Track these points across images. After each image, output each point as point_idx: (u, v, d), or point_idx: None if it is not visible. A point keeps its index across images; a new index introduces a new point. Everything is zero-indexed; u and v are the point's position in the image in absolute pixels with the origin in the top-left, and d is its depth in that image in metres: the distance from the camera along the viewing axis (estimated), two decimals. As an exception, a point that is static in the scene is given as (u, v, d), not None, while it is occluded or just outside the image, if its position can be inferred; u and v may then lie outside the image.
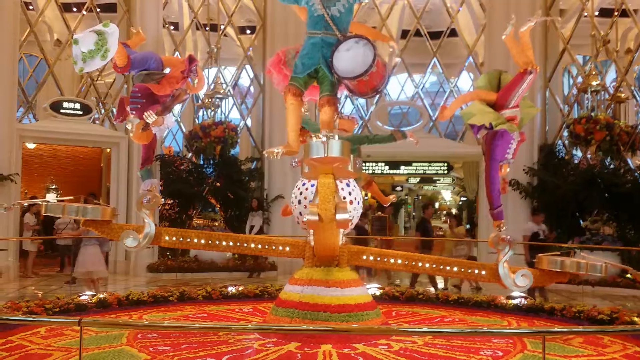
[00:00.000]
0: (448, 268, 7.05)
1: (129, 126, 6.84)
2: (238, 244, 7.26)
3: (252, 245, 7.24)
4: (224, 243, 7.23)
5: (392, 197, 10.19)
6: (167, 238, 7.04)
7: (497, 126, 6.61)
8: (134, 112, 6.73)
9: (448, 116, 7.32)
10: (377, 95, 6.05)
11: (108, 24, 6.35)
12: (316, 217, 5.77)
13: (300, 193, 6.87)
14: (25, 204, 7.40)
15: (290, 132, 5.76)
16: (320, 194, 5.59)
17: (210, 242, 7.19)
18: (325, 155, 5.01)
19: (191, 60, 7.02)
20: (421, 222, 14.35)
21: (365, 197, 15.07)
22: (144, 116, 6.72)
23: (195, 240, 7.18)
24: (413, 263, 7.01)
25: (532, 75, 6.56)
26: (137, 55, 6.97)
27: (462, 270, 7.05)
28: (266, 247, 7.30)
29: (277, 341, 6.25)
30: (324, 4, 5.69)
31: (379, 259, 7.10)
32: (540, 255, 6.88)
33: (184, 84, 7.00)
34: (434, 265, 7.03)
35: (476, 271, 6.92)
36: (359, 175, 8.17)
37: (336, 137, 5.13)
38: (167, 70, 7.06)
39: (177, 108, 14.12)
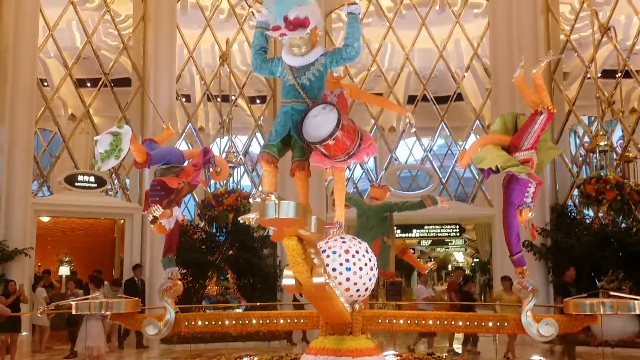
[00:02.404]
0: (468, 324, 6.66)
1: (150, 218, 7.04)
2: (254, 321, 7.23)
3: (268, 321, 7.21)
4: (240, 322, 7.23)
5: (431, 265, 10.09)
6: (186, 323, 7.10)
7: (504, 169, 6.37)
8: (153, 205, 6.94)
9: (466, 163, 7.11)
10: (350, 160, 5.99)
11: (122, 126, 6.74)
12: (292, 282, 5.67)
13: None
14: (48, 308, 7.56)
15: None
16: (288, 257, 5.49)
17: (227, 322, 7.20)
18: (276, 216, 4.86)
19: (205, 152, 7.30)
20: (561, 287, 13.17)
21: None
22: (151, 209, 6.96)
23: (214, 322, 7.21)
24: (431, 322, 6.61)
25: (544, 115, 6.39)
26: (156, 152, 7.29)
27: (484, 324, 6.61)
28: (281, 321, 7.28)
29: None
30: (294, 74, 5.81)
31: (394, 321, 6.98)
32: (566, 299, 6.44)
33: (197, 177, 7.25)
34: (452, 323, 6.59)
35: (498, 324, 6.53)
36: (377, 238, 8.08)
37: (272, 196, 4.97)
38: (187, 163, 7.33)
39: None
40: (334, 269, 6.57)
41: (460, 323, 6.60)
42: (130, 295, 9.95)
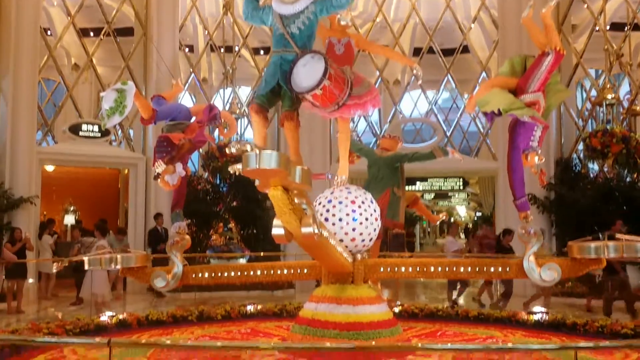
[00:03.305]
0: (470, 269, 6.75)
1: (154, 174, 7.27)
2: (259, 272, 7.38)
3: (272, 272, 7.35)
4: (245, 273, 7.45)
5: (443, 215, 10.05)
6: (193, 275, 7.33)
7: (506, 112, 6.23)
8: (160, 160, 7.14)
9: (473, 106, 6.95)
10: (339, 109, 5.88)
11: (126, 83, 6.92)
12: (281, 231, 5.73)
13: (327, 210, 6.80)
14: (62, 263, 7.77)
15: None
16: (275, 207, 5.51)
17: (233, 274, 7.43)
18: (257, 167, 4.86)
19: (210, 109, 7.36)
20: None
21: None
22: (154, 165, 7.15)
23: (219, 274, 7.42)
24: (432, 269, 6.80)
25: (551, 56, 6.22)
26: (163, 108, 7.48)
27: (485, 270, 6.74)
28: (285, 271, 7.41)
29: (286, 357, 6.27)
30: (283, 23, 5.73)
31: (396, 269, 7.01)
32: (570, 242, 6.40)
33: (201, 133, 7.30)
34: (454, 269, 6.79)
35: (500, 269, 6.61)
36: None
37: (248, 147, 4.98)
38: (193, 120, 7.49)
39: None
40: (340, 219, 6.62)
41: (462, 269, 6.64)
42: (154, 245, 10.06)
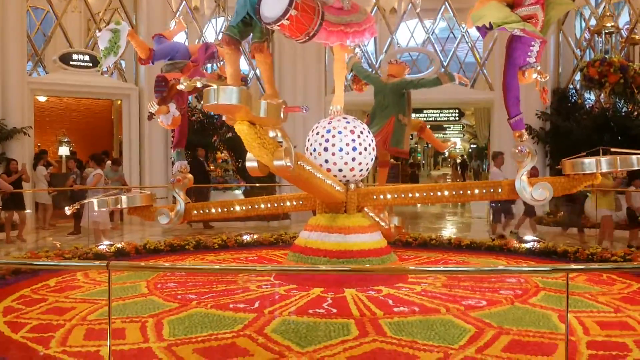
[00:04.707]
0: (462, 193, 6.76)
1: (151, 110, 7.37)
2: (256, 206, 7.53)
3: (269, 205, 7.53)
4: (243, 208, 7.60)
5: (451, 144, 9.99)
6: (195, 212, 7.51)
7: (498, 25, 5.96)
8: (153, 101, 7.24)
9: (472, 22, 6.45)
10: (310, 39, 5.74)
11: (120, 22, 7.09)
12: (254, 164, 5.79)
13: (327, 140, 6.77)
14: (74, 206, 7.87)
15: (230, 81, 5.72)
16: (243, 141, 5.54)
17: (232, 209, 7.59)
18: (215, 102, 4.84)
19: (207, 48, 7.35)
20: None
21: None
22: (148, 105, 7.33)
23: (219, 210, 7.59)
24: (431, 194, 6.86)
25: None
26: (161, 47, 7.47)
27: (477, 192, 6.73)
28: (281, 204, 7.54)
29: (278, 283, 6.46)
30: None
31: (389, 196, 7.04)
32: (563, 160, 6.28)
33: (196, 73, 7.31)
34: (445, 193, 6.79)
35: (492, 190, 6.59)
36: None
37: (199, 84, 4.95)
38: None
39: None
40: (340, 149, 6.65)
41: (446, 193, 6.70)
42: (194, 174, 10.21)
